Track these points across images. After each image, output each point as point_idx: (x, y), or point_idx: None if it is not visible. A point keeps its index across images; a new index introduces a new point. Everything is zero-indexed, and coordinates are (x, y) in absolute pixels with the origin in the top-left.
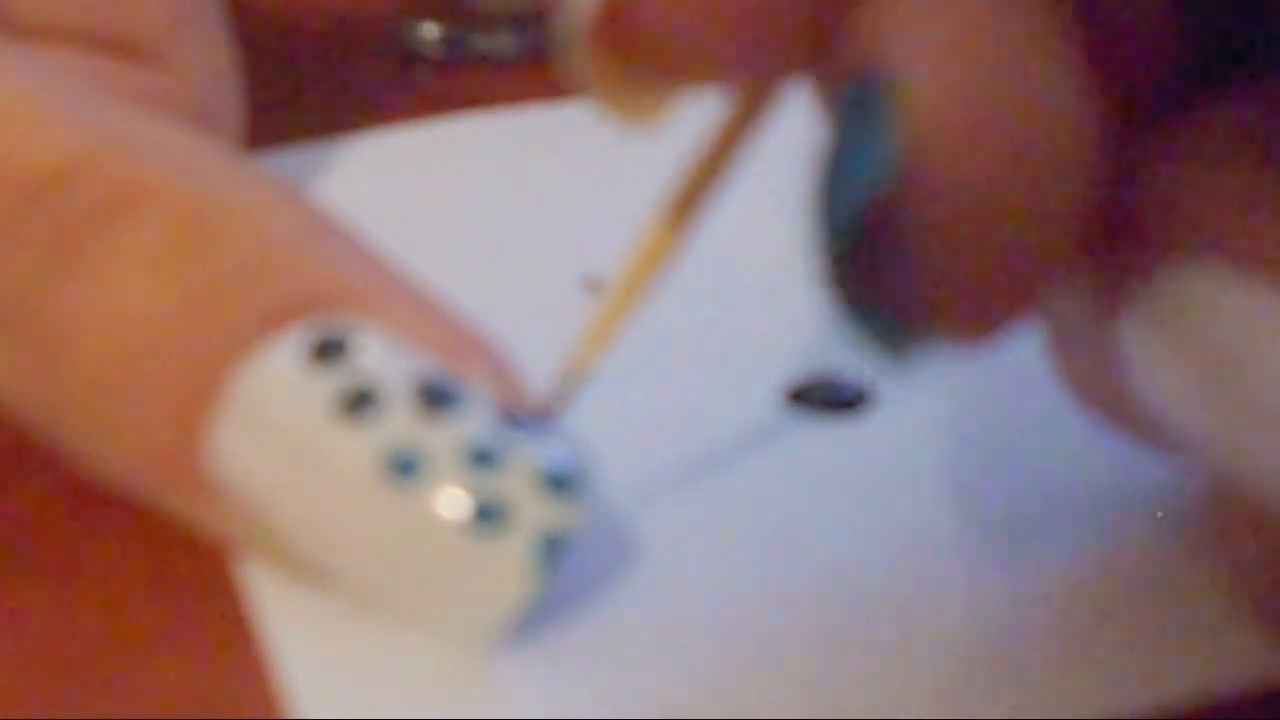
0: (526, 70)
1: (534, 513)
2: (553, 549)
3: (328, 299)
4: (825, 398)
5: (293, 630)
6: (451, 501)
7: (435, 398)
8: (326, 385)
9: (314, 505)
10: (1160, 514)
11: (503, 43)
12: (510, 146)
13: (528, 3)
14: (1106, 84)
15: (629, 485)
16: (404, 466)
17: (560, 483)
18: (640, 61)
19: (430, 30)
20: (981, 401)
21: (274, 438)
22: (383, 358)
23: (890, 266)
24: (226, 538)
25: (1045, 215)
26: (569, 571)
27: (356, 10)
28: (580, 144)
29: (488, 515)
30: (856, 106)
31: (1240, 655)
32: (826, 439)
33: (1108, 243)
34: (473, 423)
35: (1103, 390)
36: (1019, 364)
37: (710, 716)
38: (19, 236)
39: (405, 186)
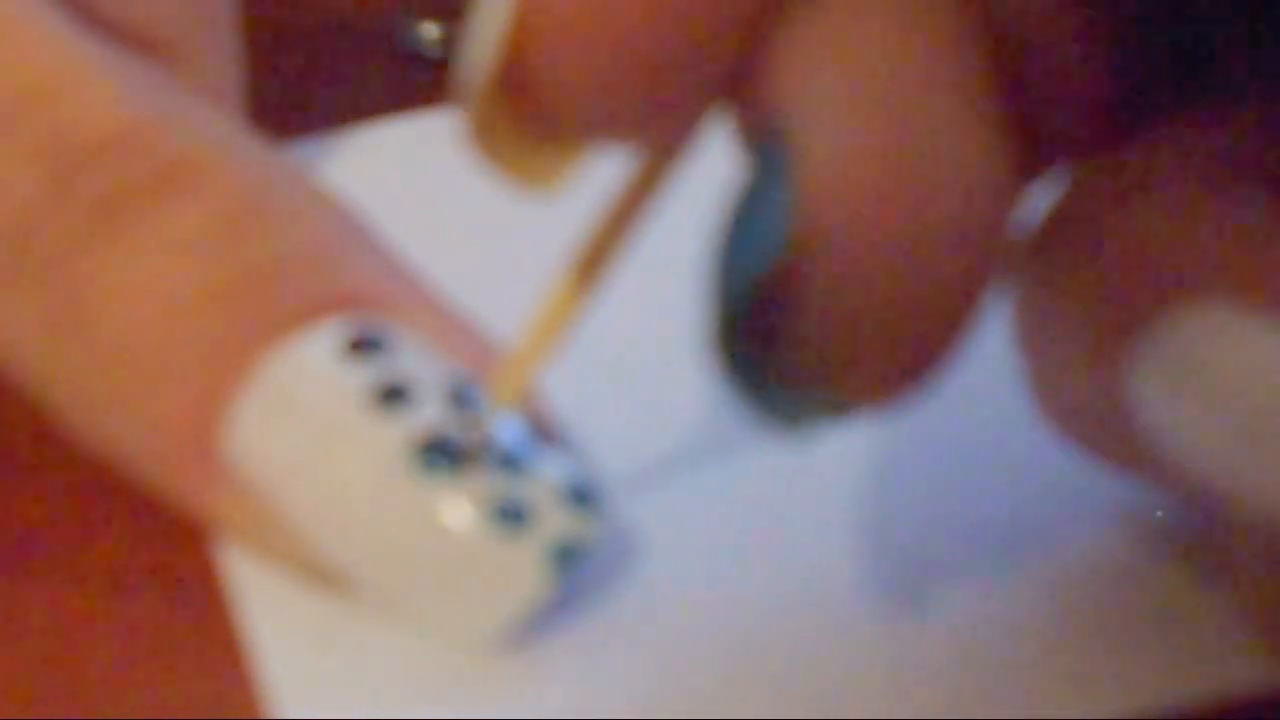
0: None
1: (554, 521)
2: (568, 558)
3: (365, 299)
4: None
5: (276, 630)
6: (474, 498)
7: (467, 403)
8: (361, 377)
9: (333, 492)
10: (1159, 514)
11: None
12: None
13: None
14: (1030, 117)
15: (622, 489)
16: (432, 458)
17: (582, 497)
18: (538, 120)
19: (430, 30)
20: (976, 406)
21: (300, 422)
22: (418, 359)
23: (785, 333)
24: (224, 530)
25: (949, 277)
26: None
27: (356, 10)
28: None
29: (508, 516)
30: (756, 165)
31: (1238, 659)
32: (824, 445)
33: (1100, 290)
34: (502, 430)
35: (1097, 430)
36: (1014, 369)
37: (705, 718)
38: (68, 198)
39: (399, 180)
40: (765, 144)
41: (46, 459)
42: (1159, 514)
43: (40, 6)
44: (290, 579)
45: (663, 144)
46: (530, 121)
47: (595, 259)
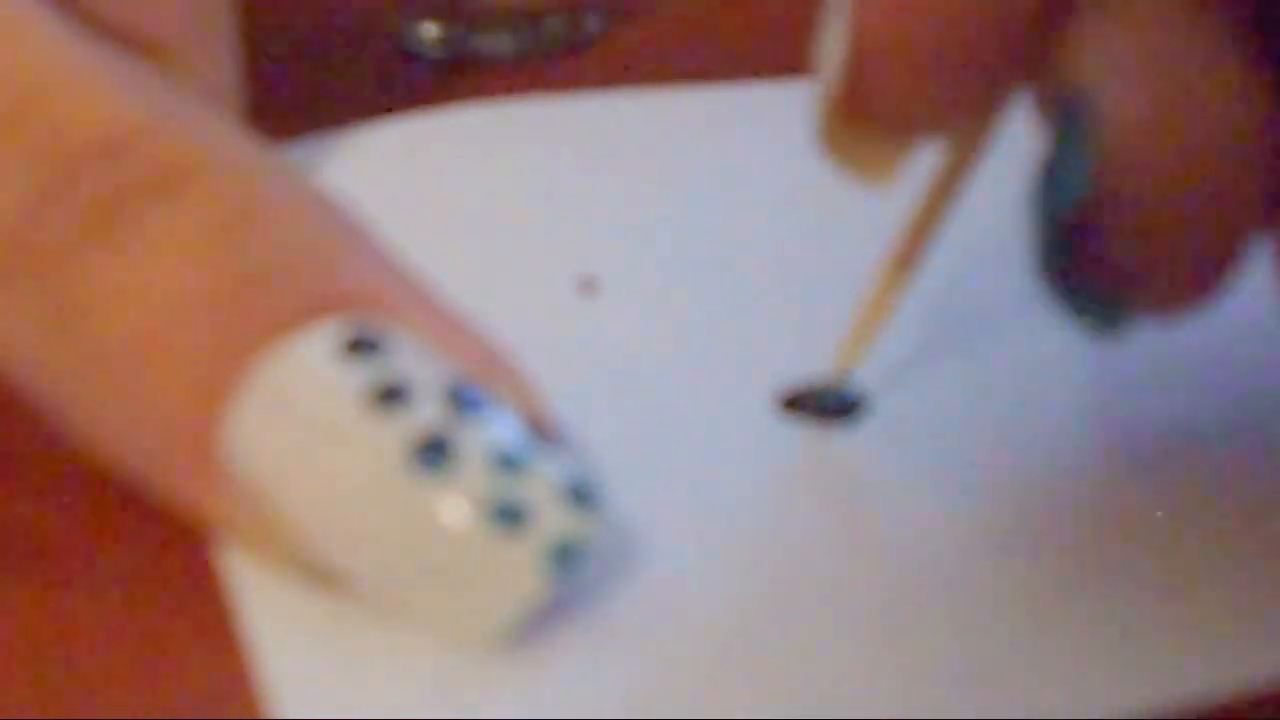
0: (526, 70)
1: (553, 520)
2: (567, 557)
3: (363, 300)
4: (819, 405)
5: (276, 630)
6: (472, 497)
7: (465, 402)
8: (358, 377)
9: (331, 493)
10: (1159, 514)
11: (503, 43)
12: (509, 140)
13: (528, 3)
14: None
15: (624, 491)
16: (430, 458)
17: (581, 496)
18: (877, 124)
19: (430, 30)
20: (972, 408)
21: (298, 423)
22: (415, 359)
23: (1096, 257)
24: (223, 530)
25: (1223, 211)
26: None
27: (356, 10)
28: (581, 141)
29: (507, 515)
30: (1062, 125)
31: (1236, 656)
32: (820, 446)
33: None
34: (500, 429)
35: None
36: (1010, 371)
37: (704, 717)
38: (65, 199)
39: (399, 180)
40: (1066, 108)
41: (46, 460)
42: (1159, 514)
43: (38, 9)
44: (290, 579)
45: (973, 132)
46: (869, 125)
47: (916, 242)
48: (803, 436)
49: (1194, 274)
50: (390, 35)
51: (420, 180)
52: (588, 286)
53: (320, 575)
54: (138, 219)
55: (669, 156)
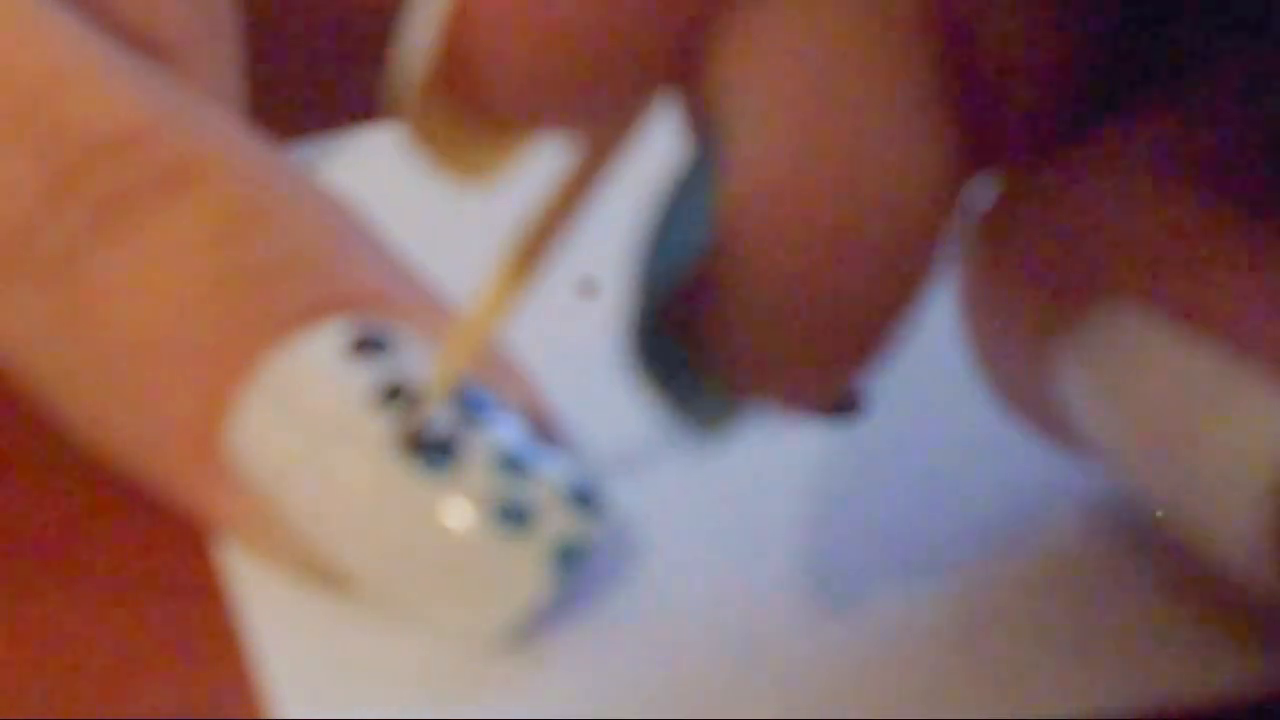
0: None
1: (556, 521)
2: (569, 559)
3: (369, 301)
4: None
5: (276, 630)
6: (476, 498)
7: (470, 403)
8: (364, 376)
9: (335, 492)
10: (1159, 514)
11: None
12: None
13: None
14: (976, 114)
15: (624, 491)
16: (434, 457)
17: (584, 498)
18: (479, 109)
19: None
20: (972, 406)
21: (304, 421)
22: (420, 360)
23: (705, 332)
24: (225, 529)
25: (879, 280)
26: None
27: (356, 10)
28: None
29: (510, 516)
30: (690, 157)
31: (1224, 657)
32: (818, 442)
33: (1036, 278)
34: (504, 430)
35: (1034, 407)
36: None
37: (703, 717)
38: (74, 194)
39: (399, 181)
40: (699, 136)
41: (48, 459)
42: (1159, 514)
43: (48, 5)
44: (290, 579)
45: (606, 131)
46: (469, 112)
47: (539, 241)
48: (803, 435)
49: (824, 368)
50: (390, 35)
51: (422, 181)
52: (587, 288)
53: (321, 575)
54: (144, 217)
55: (668, 157)
